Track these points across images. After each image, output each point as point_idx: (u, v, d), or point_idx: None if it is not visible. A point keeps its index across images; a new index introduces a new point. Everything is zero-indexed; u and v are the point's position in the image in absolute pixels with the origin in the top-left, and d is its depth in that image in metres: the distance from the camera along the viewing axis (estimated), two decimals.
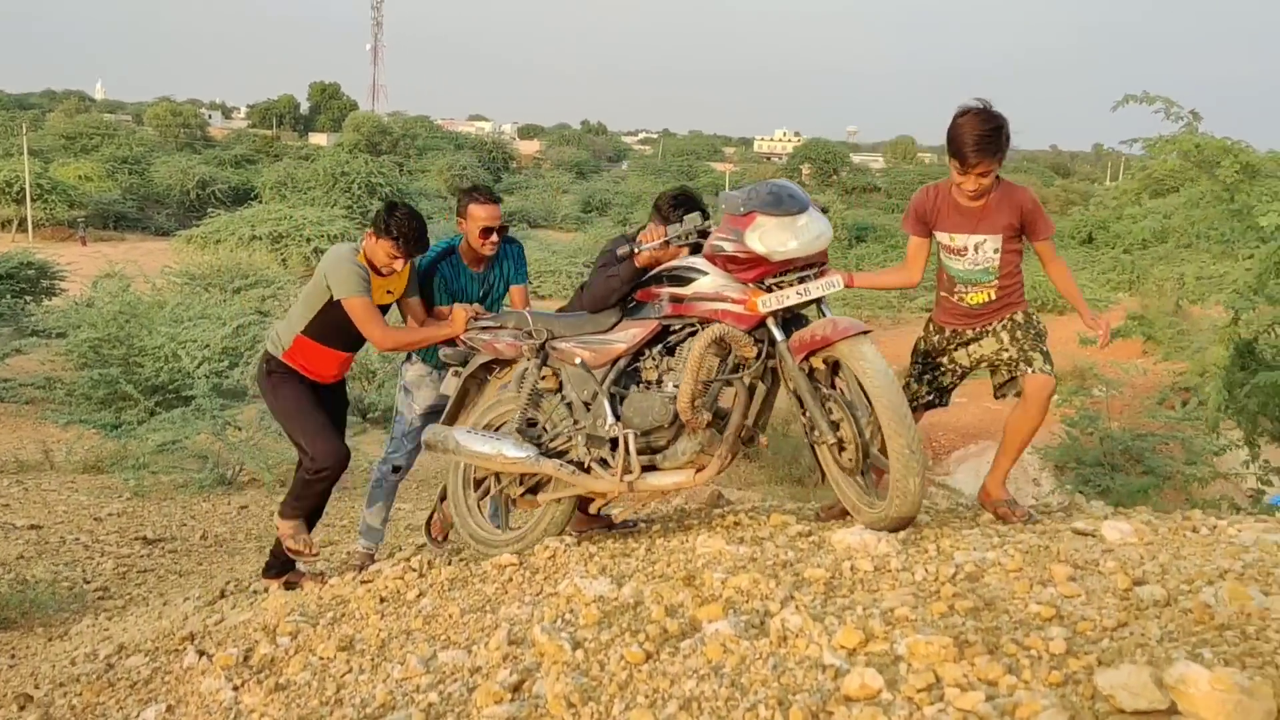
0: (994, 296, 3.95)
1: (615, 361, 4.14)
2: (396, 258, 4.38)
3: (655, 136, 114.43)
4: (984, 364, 4.08)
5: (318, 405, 4.63)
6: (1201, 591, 2.43)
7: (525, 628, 2.99)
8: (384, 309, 4.57)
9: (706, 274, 3.90)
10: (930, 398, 4.20)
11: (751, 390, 3.93)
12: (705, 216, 4.15)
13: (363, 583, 4.29)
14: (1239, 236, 7.49)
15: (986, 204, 3.86)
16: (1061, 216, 37.60)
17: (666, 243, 4.07)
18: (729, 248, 3.77)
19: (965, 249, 3.92)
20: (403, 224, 4.33)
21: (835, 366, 3.74)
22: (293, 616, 3.78)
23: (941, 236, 3.98)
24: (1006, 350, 3.96)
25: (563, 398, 4.27)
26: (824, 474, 3.86)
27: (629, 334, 4.12)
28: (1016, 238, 3.93)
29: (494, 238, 4.74)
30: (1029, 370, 3.87)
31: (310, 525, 4.74)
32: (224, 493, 9.02)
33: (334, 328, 4.50)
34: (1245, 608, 2.26)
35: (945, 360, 4.14)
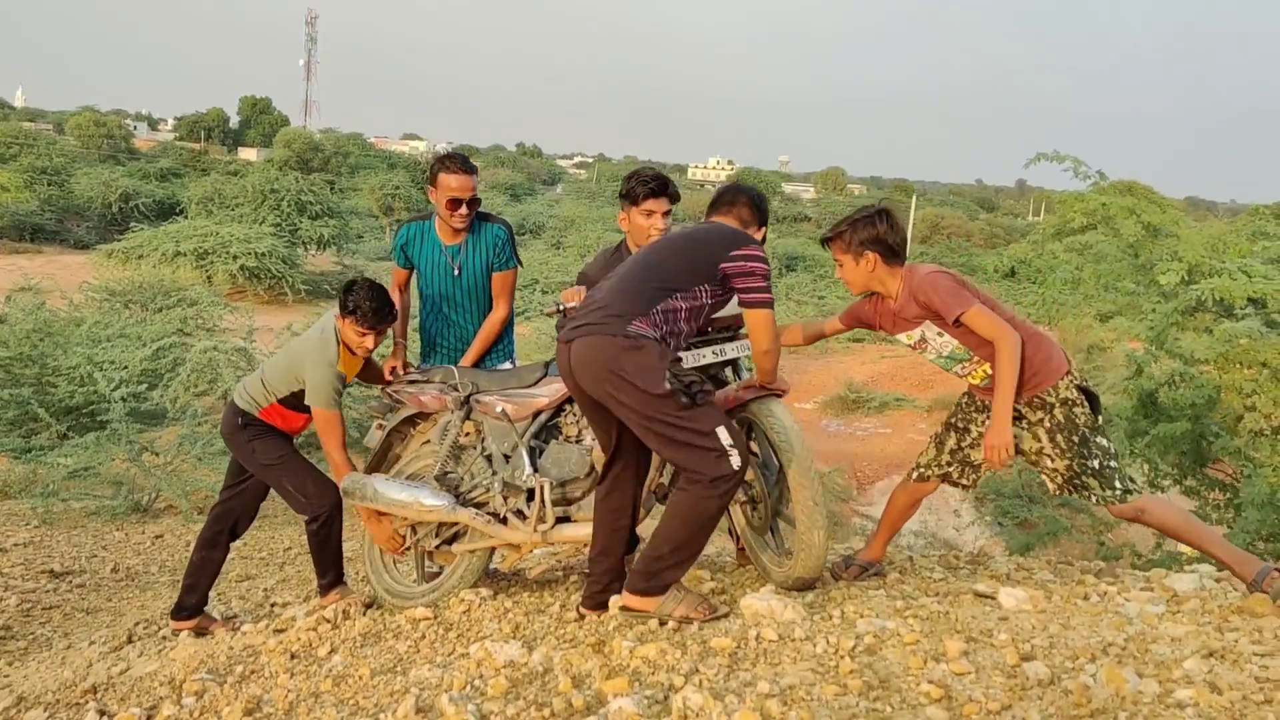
0: (993, 370, 3.58)
1: (537, 415, 4.18)
2: (365, 334, 4.29)
3: (590, 161, 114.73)
4: (1021, 458, 3.68)
5: (297, 452, 4.66)
6: (1083, 671, 2.55)
7: (434, 694, 3.00)
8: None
9: None
10: (951, 469, 3.87)
11: None
12: (675, 199, 4.18)
13: (276, 632, 4.24)
14: (1144, 290, 7.80)
15: (900, 299, 3.67)
16: (986, 251, 38.35)
17: None
18: None
19: (916, 344, 3.75)
20: (360, 298, 4.26)
21: (750, 429, 3.84)
22: (200, 674, 3.73)
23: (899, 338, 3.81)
24: (1049, 457, 3.59)
25: (483, 450, 4.29)
26: (735, 533, 3.95)
27: (552, 389, 4.17)
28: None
29: (463, 210, 4.44)
30: (1091, 501, 3.59)
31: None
32: (138, 521, 8.79)
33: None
34: (1120, 690, 2.38)
35: (974, 427, 3.81)
